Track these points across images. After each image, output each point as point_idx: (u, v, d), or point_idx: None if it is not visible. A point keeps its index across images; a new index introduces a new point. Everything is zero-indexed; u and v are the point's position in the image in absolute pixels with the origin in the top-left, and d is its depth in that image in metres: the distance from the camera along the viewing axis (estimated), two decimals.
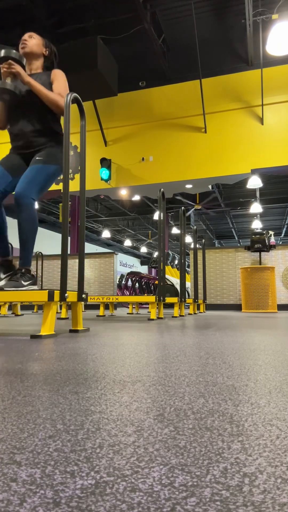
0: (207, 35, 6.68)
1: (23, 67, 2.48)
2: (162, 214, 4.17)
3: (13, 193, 2.44)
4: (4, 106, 2.58)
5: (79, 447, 0.49)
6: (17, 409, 0.67)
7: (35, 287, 2.34)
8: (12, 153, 2.59)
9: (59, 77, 2.56)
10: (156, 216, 14.99)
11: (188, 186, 8.20)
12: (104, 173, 7.70)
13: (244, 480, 0.40)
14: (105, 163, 7.78)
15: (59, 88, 2.51)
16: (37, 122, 2.52)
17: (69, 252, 10.81)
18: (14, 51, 2.42)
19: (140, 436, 0.53)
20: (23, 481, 0.40)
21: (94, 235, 20.77)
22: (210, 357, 1.25)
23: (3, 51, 2.39)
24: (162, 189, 4.25)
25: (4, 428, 0.57)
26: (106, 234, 19.39)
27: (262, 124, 7.09)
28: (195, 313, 5.44)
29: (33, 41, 2.62)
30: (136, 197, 11.09)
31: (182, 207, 5.23)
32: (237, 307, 7.54)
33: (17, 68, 2.37)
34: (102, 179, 7.70)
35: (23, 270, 2.32)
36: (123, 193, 8.66)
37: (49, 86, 2.54)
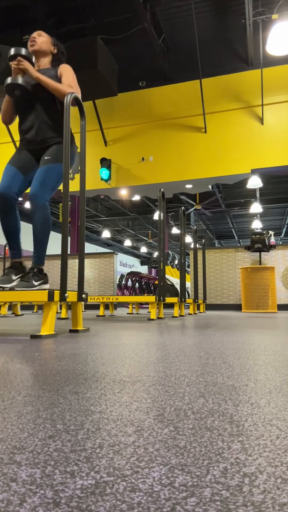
0: (207, 35, 6.68)
1: (32, 64, 2.54)
2: (162, 214, 4.17)
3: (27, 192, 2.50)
4: (12, 102, 2.64)
5: (79, 447, 0.49)
6: (17, 409, 0.67)
7: (46, 285, 2.39)
8: (21, 149, 2.63)
9: (66, 70, 2.62)
10: (156, 216, 14.98)
11: (188, 186, 8.20)
12: (104, 173, 7.70)
13: (244, 480, 0.40)
14: (105, 163, 7.78)
15: (67, 80, 2.57)
16: (46, 117, 2.57)
17: (69, 252, 10.81)
18: (23, 48, 2.50)
19: (140, 436, 0.53)
20: (23, 481, 0.40)
21: (94, 235, 20.77)
22: (210, 357, 1.25)
23: (12, 49, 2.47)
24: (162, 189, 4.25)
25: (4, 428, 0.57)
26: (106, 234, 19.39)
27: (262, 124, 7.09)
28: (195, 313, 5.44)
29: (41, 39, 2.69)
30: (136, 197, 11.09)
31: (182, 207, 5.23)
32: (237, 307, 7.54)
33: (26, 64, 2.45)
34: (102, 179, 7.70)
35: (35, 270, 2.36)
36: (123, 193, 8.66)
37: (57, 80, 2.59)
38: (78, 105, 2.51)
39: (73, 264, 8.20)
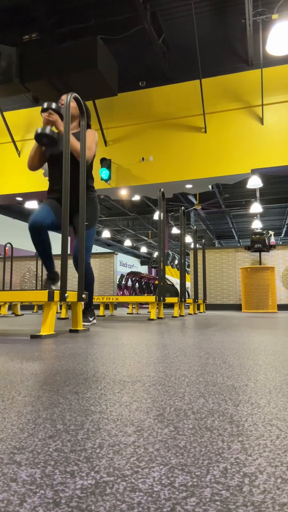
0: (207, 35, 6.67)
1: (61, 117, 2.76)
2: (162, 214, 4.16)
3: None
4: (41, 150, 2.92)
5: (79, 447, 0.49)
6: (17, 409, 0.67)
7: (95, 321, 3.19)
8: (51, 198, 2.95)
9: (88, 135, 2.90)
10: (156, 216, 14.98)
11: (188, 186, 8.20)
12: (104, 173, 7.70)
13: (244, 480, 0.40)
14: (105, 163, 7.78)
15: (87, 142, 2.81)
16: (74, 174, 2.68)
17: (69, 252, 10.80)
18: (54, 103, 2.73)
19: (140, 436, 0.53)
20: (23, 481, 0.40)
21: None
22: (210, 357, 1.25)
23: (45, 103, 2.73)
24: (162, 189, 4.25)
25: (4, 428, 0.57)
26: (106, 234, 19.38)
27: (262, 124, 7.09)
28: (195, 313, 5.44)
29: (72, 105, 2.94)
30: (136, 197, 11.09)
31: (182, 207, 5.23)
32: (237, 307, 7.54)
33: (55, 117, 2.72)
34: (102, 179, 7.70)
35: (89, 309, 3.14)
36: (123, 193, 8.66)
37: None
38: (78, 105, 2.51)
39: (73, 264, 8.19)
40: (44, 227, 2.77)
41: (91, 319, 3.09)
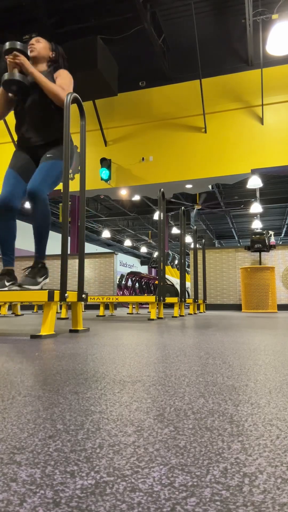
0: (207, 35, 6.67)
1: (28, 58, 2.52)
2: (162, 214, 4.17)
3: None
4: (6, 96, 2.61)
5: (79, 447, 0.49)
6: (17, 409, 0.67)
7: (47, 280, 2.48)
8: (19, 150, 2.65)
9: (62, 74, 2.62)
10: (156, 216, 14.98)
11: (188, 186, 8.20)
12: (104, 173, 7.70)
13: (244, 480, 0.40)
14: (105, 163, 7.77)
15: (61, 83, 2.56)
16: (43, 116, 2.57)
17: (69, 252, 10.81)
18: (18, 42, 2.47)
19: (140, 436, 0.53)
20: (23, 481, 0.40)
21: (94, 235, 20.77)
22: (210, 357, 1.25)
23: (7, 43, 2.45)
24: (162, 189, 4.25)
25: (4, 428, 0.57)
26: (106, 234, 19.38)
27: (262, 124, 7.09)
28: (195, 313, 5.44)
29: (40, 45, 2.69)
30: (136, 197, 11.09)
31: (182, 207, 5.23)
32: (237, 307, 7.54)
33: (22, 58, 2.43)
34: (102, 179, 7.70)
35: (39, 265, 2.43)
36: (123, 193, 8.66)
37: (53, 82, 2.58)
38: (78, 105, 2.51)
39: (73, 264, 8.20)
40: (13, 207, 2.44)
41: (40, 279, 2.39)
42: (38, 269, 2.42)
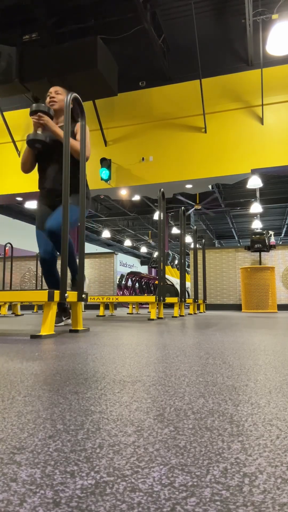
0: (207, 35, 6.67)
1: (51, 118, 2.76)
2: (162, 214, 4.17)
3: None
4: (33, 154, 2.92)
5: (79, 447, 0.49)
6: (17, 409, 0.67)
7: (69, 320, 3.03)
8: (41, 205, 2.96)
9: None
10: (156, 216, 14.98)
11: (188, 186, 8.20)
12: (104, 173, 7.70)
13: (244, 480, 0.40)
14: (105, 163, 7.77)
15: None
16: (61, 166, 2.77)
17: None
18: (42, 104, 2.71)
19: (140, 436, 0.53)
20: (23, 481, 0.40)
21: (94, 235, 20.77)
22: (210, 357, 1.25)
23: (34, 105, 2.70)
24: (162, 189, 4.25)
25: (4, 428, 0.57)
26: (106, 234, 19.38)
27: (262, 124, 7.09)
28: (195, 313, 5.44)
29: (60, 97, 2.93)
30: (136, 197, 11.09)
31: (182, 207, 5.23)
32: (237, 307, 7.54)
33: (46, 119, 2.69)
34: (102, 179, 7.70)
35: (65, 306, 3.02)
36: (123, 193, 8.66)
37: (73, 136, 2.83)
38: (78, 105, 2.51)
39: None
40: (55, 259, 2.86)
41: (64, 318, 2.96)
42: (64, 309, 2.99)
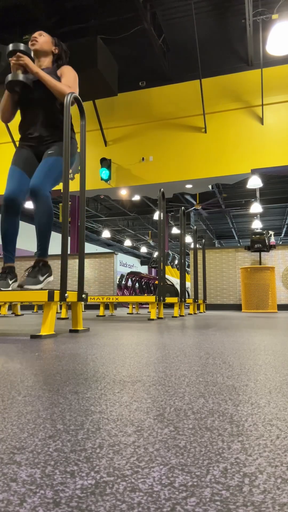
0: (207, 35, 6.67)
1: (32, 59, 2.53)
2: (162, 214, 4.17)
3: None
4: (12, 99, 2.63)
5: (79, 447, 0.49)
6: (17, 409, 0.67)
7: (51, 278, 2.44)
8: (22, 147, 2.64)
9: (67, 72, 2.62)
10: (156, 216, 14.98)
11: (188, 186, 8.20)
12: (104, 173, 7.70)
13: (244, 480, 0.40)
14: (105, 163, 7.77)
15: (67, 81, 2.56)
16: (46, 115, 2.58)
17: (69, 252, 10.81)
18: (21, 44, 2.48)
19: (140, 436, 0.53)
20: (23, 481, 0.40)
21: (94, 235, 20.76)
22: (210, 357, 1.25)
23: (11, 45, 2.46)
24: (162, 189, 4.25)
25: (4, 428, 0.57)
26: (106, 234, 19.39)
27: (262, 124, 7.09)
28: (195, 313, 5.44)
29: (42, 39, 2.69)
30: (136, 197, 11.09)
31: (182, 207, 5.23)
32: (237, 307, 7.54)
33: (25, 59, 2.44)
34: (102, 179, 7.70)
35: (41, 264, 2.40)
36: (123, 193, 8.66)
37: (58, 79, 2.58)
38: (78, 105, 2.51)
39: (73, 264, 8.20)
40: (20, 201, 2.46)
41: (41, 278, 2.36)
42: (39, 267, 2.38)
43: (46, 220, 2.39)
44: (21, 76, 2.46)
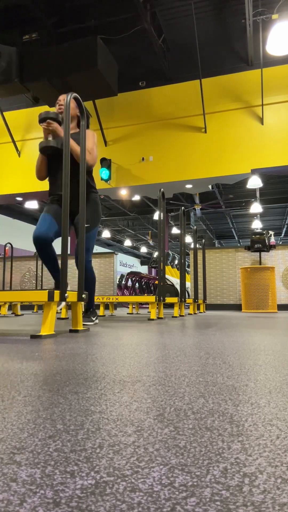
0: (207, 35, 6.67)
1: (60, 124, 2.85)
2: (162, 214, 4.17)
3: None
4: (46, 160, 2.99)
5: (79, 447, 0.49)
6: (17, 409, 0.67)
7: (97, 320, 3.23)
8: (52, 203, 2.98)
9: (88, 136, 2.97)
10: (156, 216, 14.98)
11: (188, 186, 8.20)
12: (104, 173, 7.70)
13: (244, 480, 0.40)
14: (105, 163, 7.77)
15: (87, 146, 2.89)
16: (75, 175, 2.76)
17: (69, 252, 10.81)
18: (51, 111, 2.77)
19: (140, 436, 0.53)
20: (23, 481, 0.40)
21: None
22: (210, 357, 1.25)
23: (42, 113, 2.77)
24: (162, 189, 4.25)
25: (4, 428, 0.57)
26: (106, 234, 19.38)
27: (262, 124, 7.09)
28: (195, 313, 5.44)
29: (70, 105, 2.94)
30: (136, 197, 11.09)
31: (182, 207, 5.23)
32: (237, 307, 7.54)
33: (55, 125, 2.77)
34: (102, 179, 7.70)
35: (91, 310, 3.21)
36: (123, 193, 8.66)
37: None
38: (78, 105, 2.51)
39: (73, 264, 8.20)
40: (49, 240, 2.80)
41: (93, 318, 3.15)
42: (91, 312, 3.18)
43: (92, 284, 3.11)
44: (51, 142, 2.79)
